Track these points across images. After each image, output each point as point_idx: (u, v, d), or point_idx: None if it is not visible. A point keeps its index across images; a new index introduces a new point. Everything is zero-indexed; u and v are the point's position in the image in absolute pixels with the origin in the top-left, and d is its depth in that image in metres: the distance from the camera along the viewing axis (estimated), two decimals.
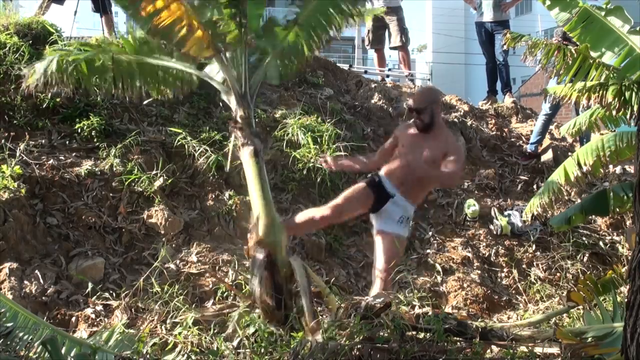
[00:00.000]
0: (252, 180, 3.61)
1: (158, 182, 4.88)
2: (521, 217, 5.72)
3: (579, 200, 5.79)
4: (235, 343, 3.35)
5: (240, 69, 3.63)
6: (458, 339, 3.22)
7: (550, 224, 5.14)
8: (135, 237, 4.62)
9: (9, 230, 4.20)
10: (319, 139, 5.64)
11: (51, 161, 4.76)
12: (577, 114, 5.80)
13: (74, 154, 4.96)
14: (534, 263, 5.58)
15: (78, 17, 7.48)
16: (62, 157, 4.87)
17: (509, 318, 4.79)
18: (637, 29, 4.03)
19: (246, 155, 3.62)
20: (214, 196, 5.07)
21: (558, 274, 5.41)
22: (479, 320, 4.33)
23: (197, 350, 3.38)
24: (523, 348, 3.31)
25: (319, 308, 3.51)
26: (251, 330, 3.38)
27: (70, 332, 3.73)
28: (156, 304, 3.93)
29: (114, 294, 4.11)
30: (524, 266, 5.56)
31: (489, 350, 3.37)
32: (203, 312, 3.82)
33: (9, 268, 4.02)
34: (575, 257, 5.59)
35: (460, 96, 8.01)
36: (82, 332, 3.84)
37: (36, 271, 4.12)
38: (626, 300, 2.33)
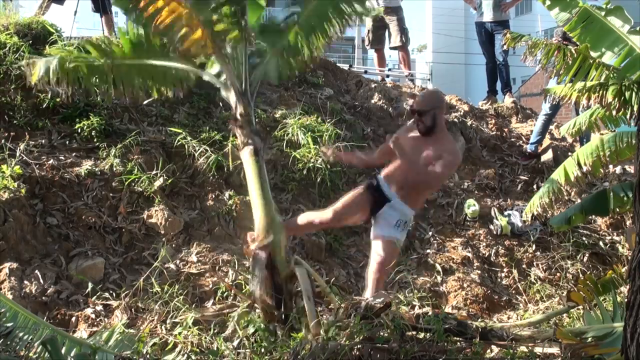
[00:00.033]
0: (251, 179, 3.61)
1: (158, 182, 4.88)
2: (521, 217, 5.72)
3: (579, 200, 5.79)
4: (235, 343, 3.35)
5: (241, 67, 3.63)
6: (458, 339, 3.22)
7: (550, 224, 5.14)
8: (135, 237, 4.62)
9: (9, 230, 4.20)
10: (319, 139, 5.64)
11: (51, 161, 4.76)
12: (577, 114, 5.80)
13: (74, 154, 4.96)
14: (534, 263, 5.58)
15: (78, 17, 7.48)
16: (62, 157, 4.87)
17: (509, 318, 4.79)
18: (637, 29, 4.02)
19: (246, 154, 3.63)
20: (214, 196, 5.07)
21: (558, 274, 5.41)
22: (479, 320, 4.33)
23: (197, 350, 3.38)
24: (523, 348, 3.31)
25: (319, 308, 3.51)
26: (251, 330, 3.38)
27: (70, 332, 3.73)
28: (156, 304, 3.93)
29: (114, 294, 4.11)
30: (524, 266, 5.56)
31: (489, 350, 3.37)
32: (203, 312, 3.82)
33: (9, 268, 4.02)
34: (575, 257, 5.59)
35: (460, 96, 8.01)
36: (82, 332, 3.84)
37: (36, 271, 4.12)
38: (626, 300, 2.33)
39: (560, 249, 5.66)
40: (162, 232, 4.69)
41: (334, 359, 2.78)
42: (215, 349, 3.31)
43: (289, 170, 5.46)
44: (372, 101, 6.96)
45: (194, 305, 4.04)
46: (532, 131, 6.99)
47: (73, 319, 3.95)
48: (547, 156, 6.81)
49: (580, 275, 5.21)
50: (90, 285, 4.06)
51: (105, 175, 4.84)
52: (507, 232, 5.77)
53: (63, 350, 2.97)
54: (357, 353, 2.83)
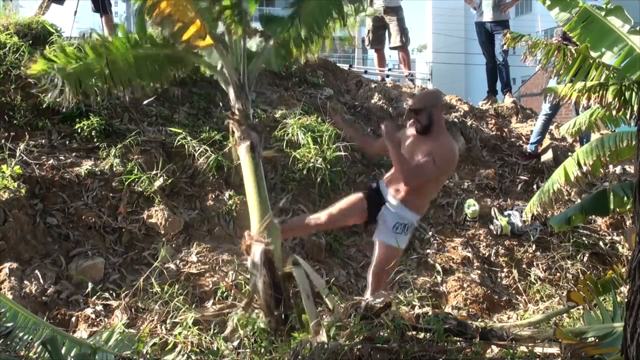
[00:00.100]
0: (248, 177, 3.59)
1: (158, 182, 4.88)
2: (521, 217, 5.72)
3: (579, 200, 5.79)
4: (235, 343, 3.35)
5: (239, 58, 3.61)
6: (458, 339, 3.21)
7: (550, 224, 5.13)
8: (135, 237, 4.62)
9: (9, 230, 4.20)
10: (319, 139, 5.64)
11: (51, 161, 4.76)
12: (577, 114, 5.80)
13: (74, 154, 4.96)
14: (534, 263, 5.58)
15: (78, 17, 7.50)
16: (62, 157, 4.87)
17: (509, 318, 4.79)
18: (637, 29, 4.02)
19: (243, 151, 3.61)
20: (214, 196, 5.07)
21: (558, 274, 5.41)
22: (479, 320, 4.33)
23: (197, 350, 3.38)
24: (523, 348, 3.30)
25: (319, 308, 3.50)
26: (251, 330, 3.38)
27: (70, 332, 3.73)
28: (156, 304, 3.93)
29: (114, 294, 4.11)
30: (524, 266, 5.56)
31: (489, 350, 3.37)
32: (203, 312, 3.81)
33: (9, 268, 4.02)
34: (575, 257, 5.59)
35: (460, 96, 8.01)
36: (82, 332, 3.84)
37: (36, 271, 4.12)
38: (626, 300, 2.33)
39: (560, 249, 5.66)
40: (162, 232, 4.69)
41: (334, 359, 2.77)
42: (215, 349, 3.31)
43: (289, 170, 5.46)
44: (372, 101, 6.96)
45: (194, 305, 4.04)
46: (532, 131, 6.99)
47: (73, 319, 3.95)
48: (547, 156, 6.81)
49: (580, 275, 5.21)
50: (90, 285, 4.06)
51: (105, 175, 4.84)
52: (507, 232, 5.77)
53: (63, 350, 2.97)
54: (357, 353, 2.83)
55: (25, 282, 4.03)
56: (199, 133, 5.41)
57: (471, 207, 5.81)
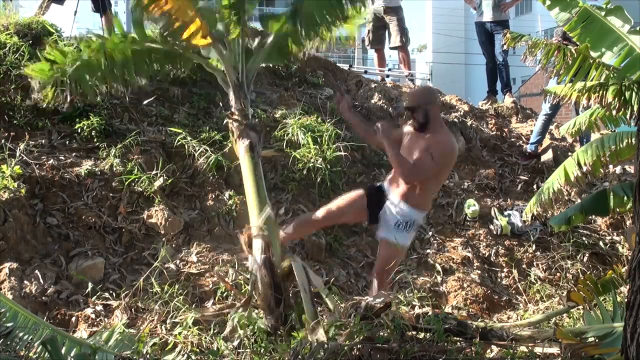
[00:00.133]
0: (247, 176, 3.60)
1: (158, 182, 4.88)
2: (521, 217, 5.72)
3: (579, 200, 5.79)
4: (235, 343, 3.35)
5: (237, 58, 3.61)
6: (458, 339, 3.21)
7: (550, 224, 5.13)
8: (135, 237, 4.62)
9: (9, 230, 4.20)
10: (319, 139, 5.64)
11: (51, 161, 4.76)
12: (577, 114, 5.80)
13: (74, 154, 4.96)
14: (534, 263, 5.58)
15: (78, 17, 7.48)
16: (62, 157, 4.87)
17: (509, 318, 4.79)
18: (637, 29, 4.02)
19: (242, 150, 3.61)
20: (214, 196, 5.07)
21: (558, 274, 5.41)
22: (479, 320, 4.33)
23: (197, 350, 3.38)
24: (523, 348, 3.30)
25: (319, 308, 3.50)
26: (251, 330, 3.37)
27: (70, 332, 3.73)
28: (156, 304, 3.93)
29: (114, 294, 4.11)
30: (524, 266, 5.56)
31: (489, 350, 3.37)
32: (203, 312, 3.81)
33: (9, 268, 4.02)
34: (575, 257, 5.59)
35: (460, 96, 8.01)
36: (82, 332, 3.84)
37: (36, 271, 4.12)
38: (626, 300, 2.33)
39: (560, 249, 5.66)
40: (162, 232, 4.69)
41: (334, 359, 2.77)
42: (215, 349, 3.31)
43: (289, 170, 5.46)
44: (372, 101, 6.96)
45: (194, 305, 4.04)
46: (532, 131, 6.99)
47: (73, 319, 3.95)
48: (547, 156, 6.81)
49: (580, 275, 5.21)
50: (90, 285, 4.05)
51: (105, 175, 4.84)
52: (507, 232, 5.77)
53: (63, 350, 2.97)
54: (357, 353, 2.83)
55: (25, 282, 4.03)
56: (199, 133, 5.41)
57: (471, 207, 5.81)
